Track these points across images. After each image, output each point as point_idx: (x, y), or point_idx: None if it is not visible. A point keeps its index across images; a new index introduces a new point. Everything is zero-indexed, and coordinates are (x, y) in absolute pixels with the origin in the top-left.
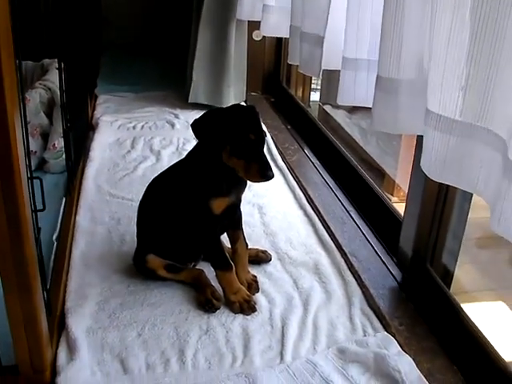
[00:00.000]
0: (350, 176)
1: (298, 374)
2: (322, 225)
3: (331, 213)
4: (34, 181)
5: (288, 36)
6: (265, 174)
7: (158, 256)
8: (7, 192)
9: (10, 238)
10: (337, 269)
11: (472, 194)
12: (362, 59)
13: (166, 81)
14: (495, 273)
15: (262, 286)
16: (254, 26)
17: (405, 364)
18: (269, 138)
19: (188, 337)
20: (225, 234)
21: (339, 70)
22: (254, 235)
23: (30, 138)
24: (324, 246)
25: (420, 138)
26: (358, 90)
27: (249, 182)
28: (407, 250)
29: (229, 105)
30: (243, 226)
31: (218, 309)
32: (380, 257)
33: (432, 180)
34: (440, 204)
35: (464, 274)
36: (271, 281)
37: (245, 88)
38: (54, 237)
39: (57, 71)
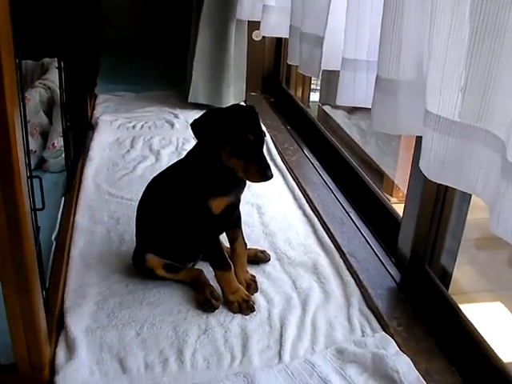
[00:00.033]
0: (350, 176)
1: (297, 373)
2: (321, 225)
3: (330, 213)
4: (34, 180)
5: (288, 36)
6: (264, 174)
7: (156, 255)
8: (7, 191)
9: (10, 237)
10: (335, 269)
11: (471, 195)
12: (361, 60)
13: (166, 80)
14: (494, 274)
15: (260, 286)
16: (254, 26)
17: (403, 364)
18: (268, 138)
19: (187, 336)
20: (224, 233)
21: (339, 71)
22: (253, 235)
23: (29, 137)
24: (323, 246)
25: (419, 139)
26: (357, 90)
27: (248, 182)
28: (406, 251)
29: (228, 105)
30: (242, 226)
31: (217, 308)
32: (379, 257)
33: (431, 181)
34: (439, 205)
35: (462, 274)
36: (270, 281)
37: (244, 88)
38: (53, 236)
39: (57, 70)
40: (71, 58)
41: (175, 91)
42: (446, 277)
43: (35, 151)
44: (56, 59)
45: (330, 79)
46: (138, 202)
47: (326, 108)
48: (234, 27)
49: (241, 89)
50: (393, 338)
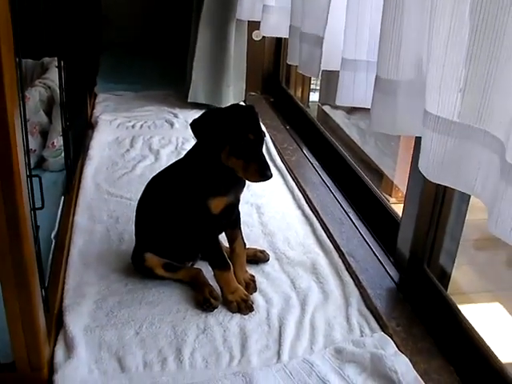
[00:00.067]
0: (349, 177)
1: (295, 373)
2: (320, 225)
3: (329, 213)
4: (33, 179)
5: (287, 36)
6: (263, 174)
7: (156, 255)
8: (6, 190)
9: (9, 235)
10: (334, 269)
11: (470, 196)
12: (361, 60)
13: (166, 80)
14: (492, 274)
15: (259, 286)
16: (254, 26)
17: (401, 364)
18: (268, 138)
19: (185, 336)
20: (223, 233)
21: (338, 71)
22: (252, 235)
23: (29, 136)
24: (322, 246)
25: (418, 139)
26: (356, 90)
27: (247, 182)
28: (405, 251)
29: (228, 104)
30: (241, 226)
31: (216, 308)
32: (377, 257)
33: (430, 181)
34: (438, 205)
35: (461, 275)
36: (269, 280)
37: (244, 88)
38: (53, 235)
39: (56, 69)
40: (71, 57)
41: (175, 91)
42: (445, 277)
43: (35, 150)
44: (56, 58)
45: (330, 79)
46: (137, 202)
47: (326, 108)
48: (234, 27)
49: (240, 88)
50: (391, 338)
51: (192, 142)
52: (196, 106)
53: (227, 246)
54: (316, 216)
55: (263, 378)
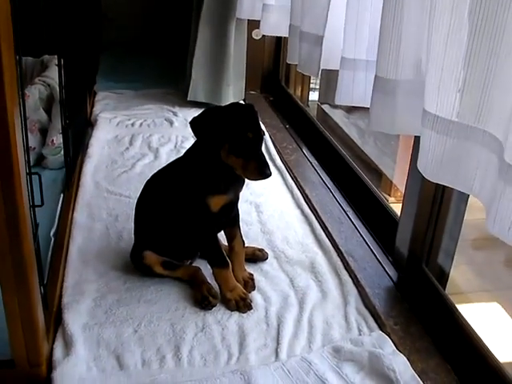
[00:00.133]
0: (348, 176)
1: (293, 371)
2: (319, 224)
3: (328, 212)
4: (33, 176)
5: (287, 35)
6: (263, 172)
7: (155, 253)
8: (6, 187)
9: (9, 233)
10: (333, 268)
11: (468, 195)
12: (360, 59)
13: (166, 79)
14: (490, 274)
15: (258, 284)
16: (254, 24)
17: (399, 363)
18: (267, 136)
19: (184, 334)
20: (222, 231)
21: (338, 70)
22: (251, 233)
23: (28, 134)
24: (320, 245)
25: (417, 139)
26: (356, 90)
27: (246, 181)
28: (403, 250)
29: (228, 103)
30: (240, 224)
31: (215, 306)
32: (376, 256)
33: (429, 181)
34: (436, 205)
35: (459, 274)
36: (267, 279)
37: (244, 87)
38: (52, 232)
39: (56, 68)
40: (71, 55)
41: (174, 89)
42: (443, 276)
43: (34, 148)
44: (56, 56)
45: (330, 78)
46: (136, 200)
47: (325, 107)
48: (234, 26)
49: (240, 87)
50: (389, 337)
51: (191, 140)
52: (195, 104)
53: (226, 244)
54: (315, 215)
55: (261, 376)
